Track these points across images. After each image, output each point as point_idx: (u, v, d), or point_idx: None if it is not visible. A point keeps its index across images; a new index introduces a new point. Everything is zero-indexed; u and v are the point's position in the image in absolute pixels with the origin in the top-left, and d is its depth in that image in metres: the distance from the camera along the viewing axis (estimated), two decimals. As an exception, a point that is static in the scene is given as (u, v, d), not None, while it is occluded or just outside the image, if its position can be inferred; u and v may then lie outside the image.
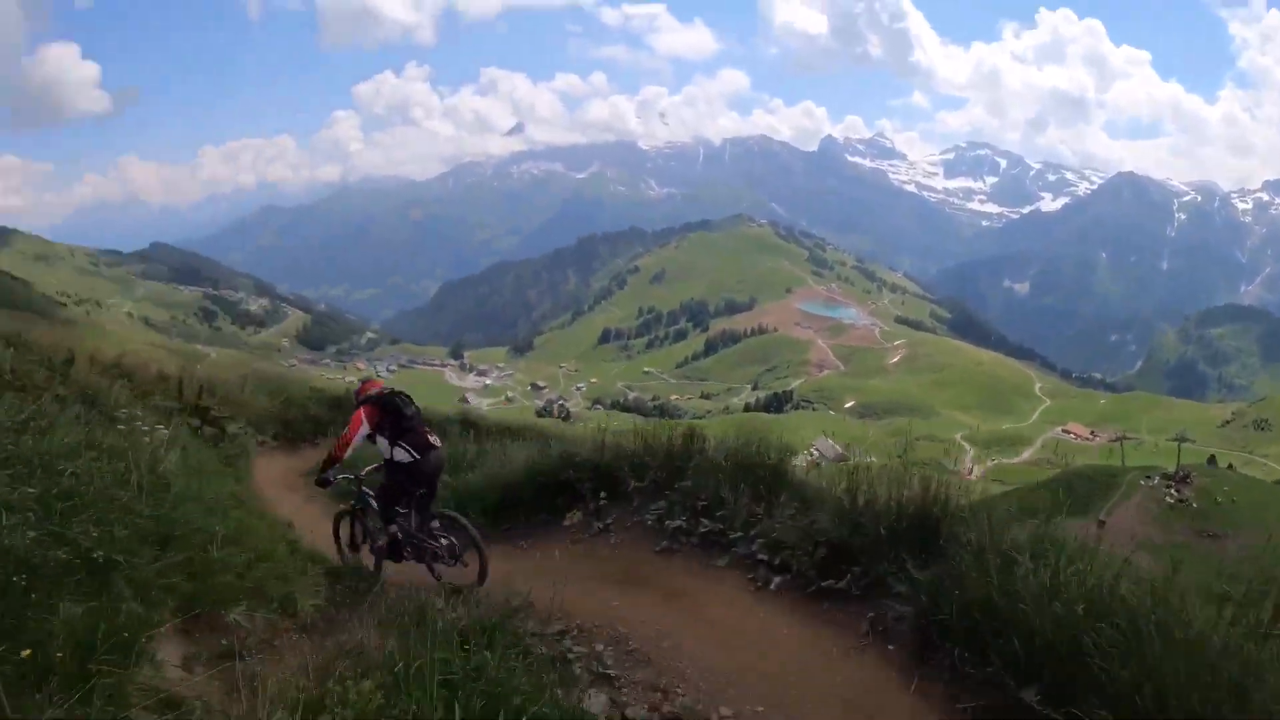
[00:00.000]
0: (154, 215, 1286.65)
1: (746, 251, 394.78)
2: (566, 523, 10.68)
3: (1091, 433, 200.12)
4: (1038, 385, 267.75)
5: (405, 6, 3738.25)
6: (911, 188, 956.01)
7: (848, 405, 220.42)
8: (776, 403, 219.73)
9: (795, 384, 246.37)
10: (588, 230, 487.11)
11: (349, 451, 8.91)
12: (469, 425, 24.38)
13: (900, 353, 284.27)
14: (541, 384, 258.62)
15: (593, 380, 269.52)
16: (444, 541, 8.94)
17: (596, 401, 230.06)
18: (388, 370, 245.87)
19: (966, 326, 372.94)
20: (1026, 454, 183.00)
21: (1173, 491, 73.99)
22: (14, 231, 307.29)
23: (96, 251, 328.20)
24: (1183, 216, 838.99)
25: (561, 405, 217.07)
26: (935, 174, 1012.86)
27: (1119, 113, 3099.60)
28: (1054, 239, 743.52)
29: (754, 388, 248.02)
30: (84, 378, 14.66)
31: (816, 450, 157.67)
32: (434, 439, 9.06)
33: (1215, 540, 63.63)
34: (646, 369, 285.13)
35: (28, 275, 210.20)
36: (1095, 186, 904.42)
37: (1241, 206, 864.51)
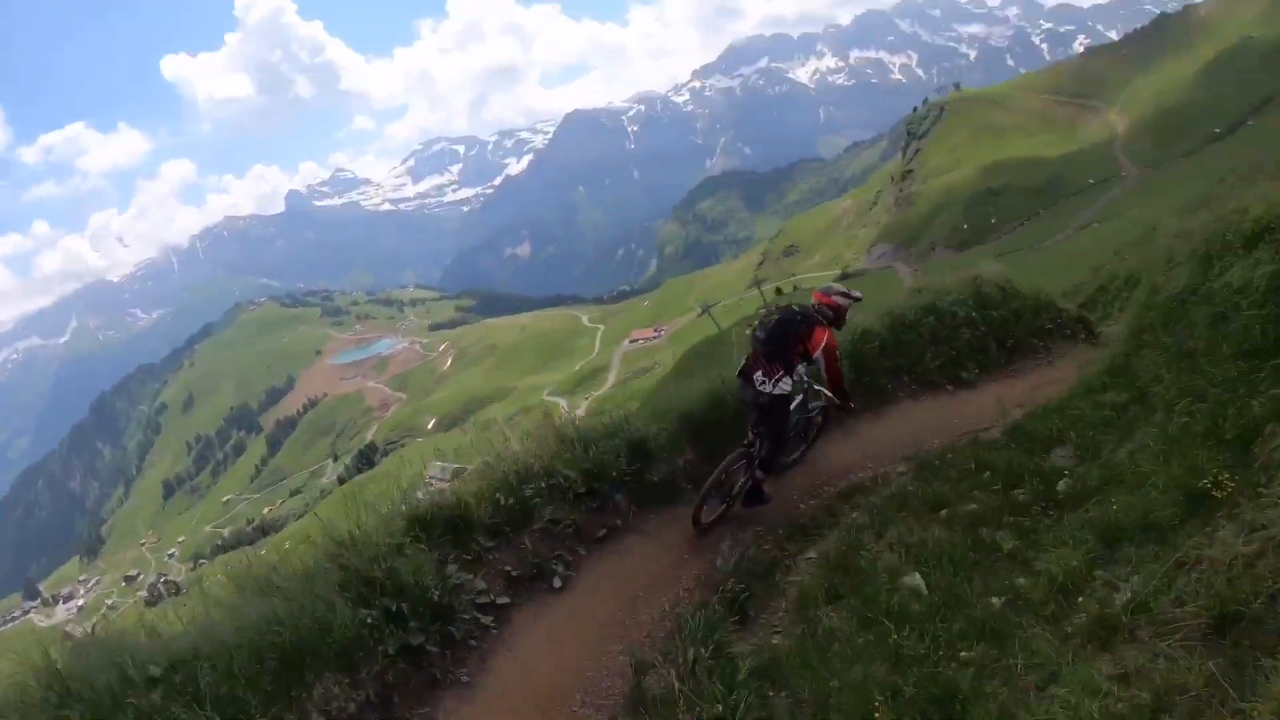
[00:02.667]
0: None
1: (260, 336, 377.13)
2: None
3: (655, 330, 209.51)
4: (584, 318, 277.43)
5: None
6: (387, 207, 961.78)
7: (430, 425, 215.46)
8: (365, 461, 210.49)
9: (370, 434, 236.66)
10: (95, 392, 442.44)
11: None
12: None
13: (449, 355, 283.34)
14: (133, 572, 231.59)
15: (180, 540, 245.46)
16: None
17: (198, 558, 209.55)
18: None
19: (493, 305, 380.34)
20: (611, 377, 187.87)
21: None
22: None
23: None
24: (635, 129, 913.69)
25: (166, 581, 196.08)
26: (404, 185, 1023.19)
27: (549, 65, 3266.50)
28: (532, 196, 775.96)
29: (335, 458, 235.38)
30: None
31: (433, 478, 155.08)
32: (759, 377, 8.56)
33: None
34: (225, 498, 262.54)
35: None
36: (550, 135, 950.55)
37: (680, 100, 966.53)
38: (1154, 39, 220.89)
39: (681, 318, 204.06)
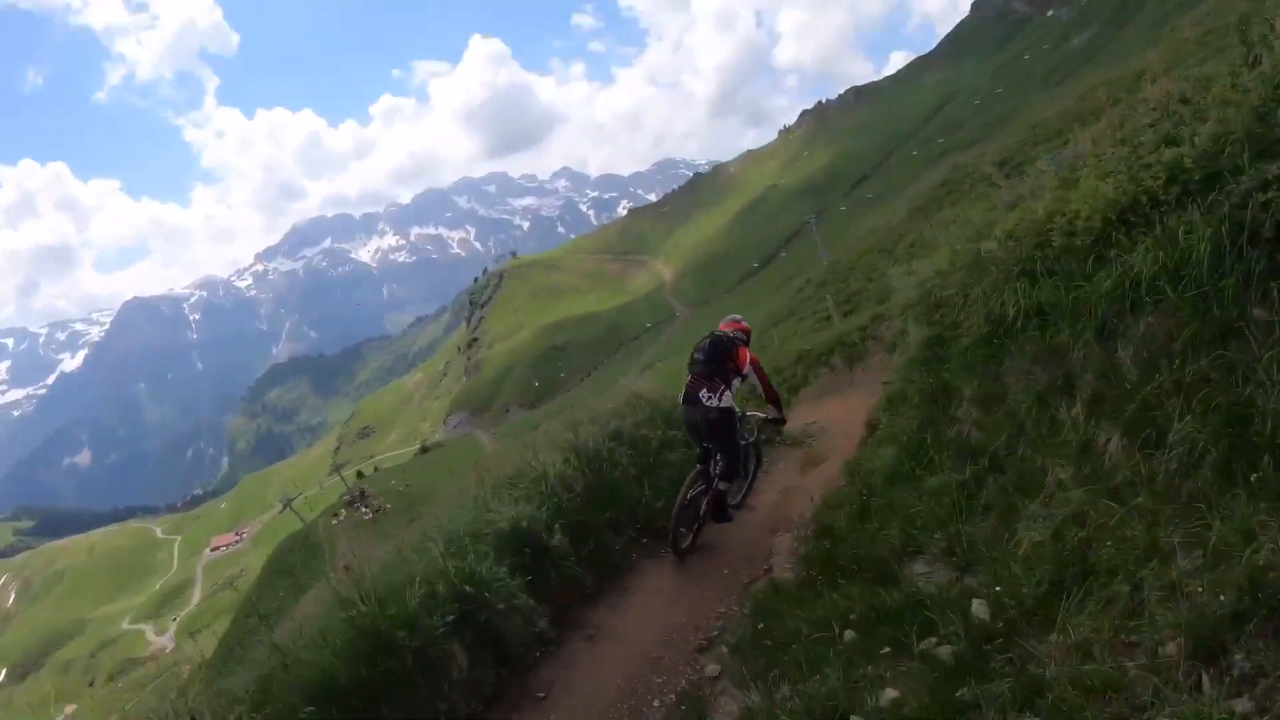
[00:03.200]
0: None
1: None
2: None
3: (237, 535, 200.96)
4: (158, 530, 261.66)
5: None
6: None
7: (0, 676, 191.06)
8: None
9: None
10: None
11: None
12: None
13: (11, 589, 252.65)
14: None
15: None
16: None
17: None
18: None
19: (56, 524, 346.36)
20: (197, 593, 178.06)
21: (363, 509, 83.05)
22: None
23: None
24: (196, 317, 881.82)
25: None
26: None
27: (106, 246, 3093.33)
28: (90, 396, 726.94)
29: None
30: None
31: None
32: (705, 394, 9.01)
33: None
34: None
35: None
36: (107, 326, 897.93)
37: (242, 284, 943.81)
38: (689, 197, 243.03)
39: (264, 515, 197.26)
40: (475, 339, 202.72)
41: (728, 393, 9.05)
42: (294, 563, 76.95)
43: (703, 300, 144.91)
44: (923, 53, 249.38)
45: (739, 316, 10.18)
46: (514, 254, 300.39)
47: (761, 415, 10.27)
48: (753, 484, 10.92)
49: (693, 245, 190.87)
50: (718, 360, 9.17)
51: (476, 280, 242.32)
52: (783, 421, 10.49)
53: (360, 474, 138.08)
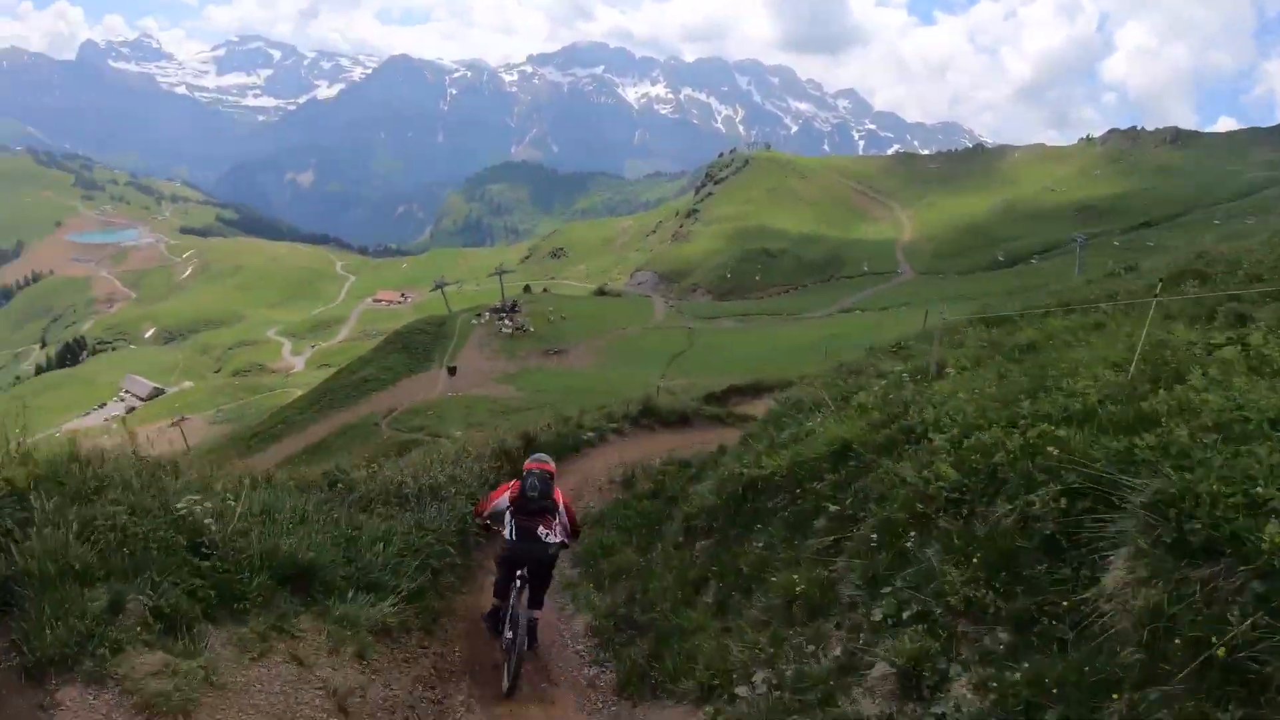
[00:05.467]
0: None
1: (2, 188, 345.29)
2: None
3: (402, 295, 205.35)
4: (339, 265, 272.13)
5: None
6: (182, 90, 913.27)
7: (148, 334, 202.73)
8: (70, 355, 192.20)
9: (86, 327, 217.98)
10: None
11: (487, 511, 9.92)
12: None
13: (191, 264, 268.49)
14: None
15: None
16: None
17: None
18: None
19: (256, 225, 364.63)
20: (344, 332, 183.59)
21: (506, 322, 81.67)
22: None
23: None
24: (454, 92, 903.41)
25: None
26: (207, 72, 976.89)
27: (393, 1, 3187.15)
28: (332, 126, 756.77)
29: (43, 345, 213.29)
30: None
31: (127, 392, 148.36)
32: (543, 531, 9.29)
33: (561, 355, 75.02)
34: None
35: None
36: (370, 71, 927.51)
37: (508, 79, 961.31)
38: (962, 165, 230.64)
39: (431, 289, 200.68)
40: (696, 210, 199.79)
41: (558, 527, 9.42)
42: (417, 343, 75.80)
43: (932, 270, 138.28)
44: (1255, 125, 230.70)
45: (546, 457, 10.16)
46: (768, 146, 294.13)
47: (559, 540, 9.80)
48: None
49: (948, 212, 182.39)
50: (550, 498, 9.42)
51: (722, 155, 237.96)
52: (575, 539, 10.32)
53: (528, 288, 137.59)
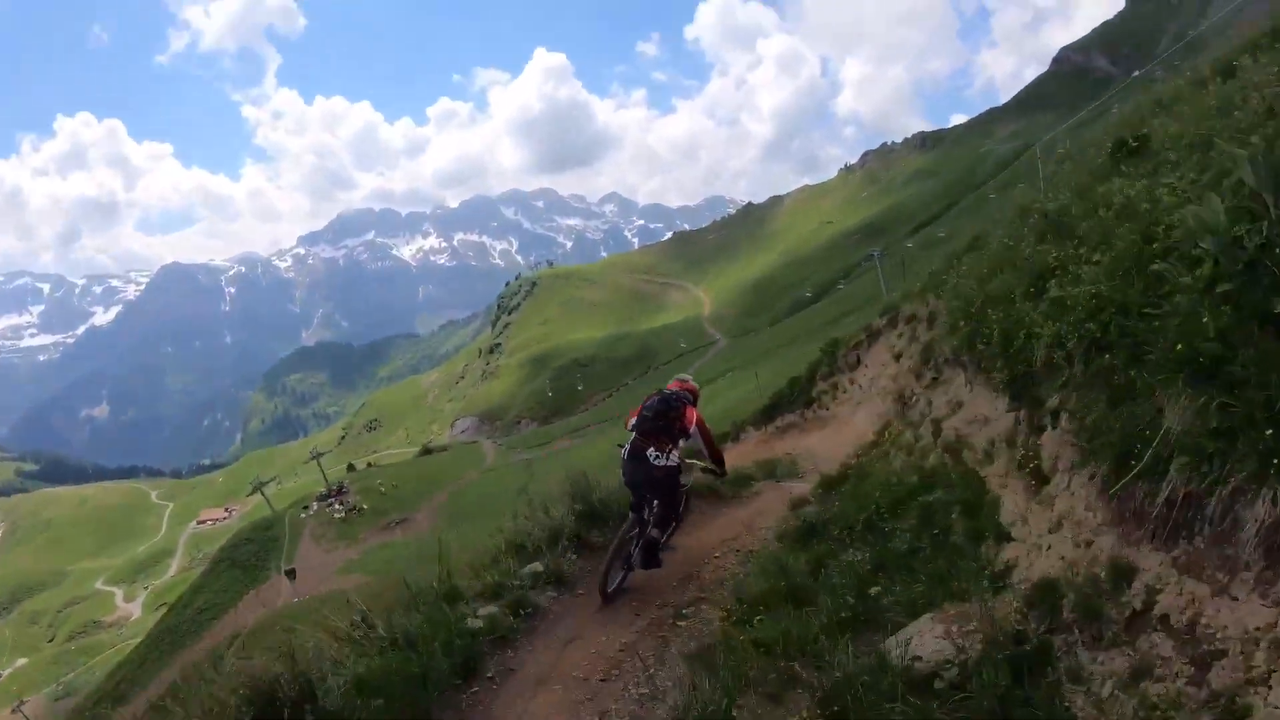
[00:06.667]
0: None
1: None
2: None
3: (226, 510, 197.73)
4: (154, 494, 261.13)
5: None
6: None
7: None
8: None
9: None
10: None
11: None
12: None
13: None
14: None
15: None
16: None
17: None
18: None
19: (59, 471, 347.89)
20: (174, 564, 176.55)
21: (336, 506, 79.13)
22: None
23: None
24: (232, 290, 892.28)
25: None
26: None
27: (150, 208, 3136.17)
28: (117, 351, 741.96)
29: None
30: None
31: None
32: (653, 452, 8.72)
33: (405, 524, 72.53)
34: None
35: None
36: (143, 286, 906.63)
37: (282, 265, 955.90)
38: (739, 227, 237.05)
39: (257, 494, 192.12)
40: (498, 344, 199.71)
41: (675, 452, 8.90)
42: (246, 554, 70.32)
43: (744, 330, 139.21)
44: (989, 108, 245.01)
45: (688, 376, 10.12)
46: (550, 263, 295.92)
47: (701, 464, 9.78)
48: (679, 526, 10.42)
49: (738, 274, 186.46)
50: (667, 419, 9.00)
51: (508, 284, 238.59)
52: (723, 475, 10.18)
53: (351, 467, 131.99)
